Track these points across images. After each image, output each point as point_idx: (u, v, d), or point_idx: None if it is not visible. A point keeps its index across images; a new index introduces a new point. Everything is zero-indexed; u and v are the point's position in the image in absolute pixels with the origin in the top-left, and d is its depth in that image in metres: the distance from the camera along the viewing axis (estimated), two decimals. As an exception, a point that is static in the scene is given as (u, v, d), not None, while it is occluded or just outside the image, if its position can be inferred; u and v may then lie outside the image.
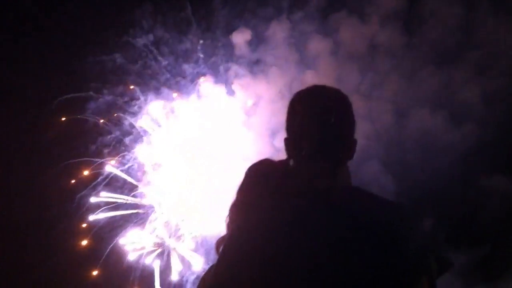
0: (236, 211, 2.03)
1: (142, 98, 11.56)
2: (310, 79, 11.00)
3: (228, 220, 2.05)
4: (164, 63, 11.77)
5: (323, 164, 1.73)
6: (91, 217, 11.71)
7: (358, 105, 9.18)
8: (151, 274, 11.86)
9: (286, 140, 1.84)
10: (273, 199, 1.77)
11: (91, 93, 11.14)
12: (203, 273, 2.16)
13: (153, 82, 11.70)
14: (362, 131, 10.43)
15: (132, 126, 11.77)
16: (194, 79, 11.85)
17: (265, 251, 1.60)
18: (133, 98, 11.57)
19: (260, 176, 2.01)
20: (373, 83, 10.57)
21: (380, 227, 1.58)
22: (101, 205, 11.79)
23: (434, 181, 9.96)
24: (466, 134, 9.81)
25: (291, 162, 1.86)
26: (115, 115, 11.59)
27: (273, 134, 11.43)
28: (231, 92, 11.97)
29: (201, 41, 11.68)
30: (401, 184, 10.27)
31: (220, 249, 1.81)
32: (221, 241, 1.96)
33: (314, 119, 1.75)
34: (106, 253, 11.47)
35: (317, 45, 11.03)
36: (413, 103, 10.25)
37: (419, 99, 10.19)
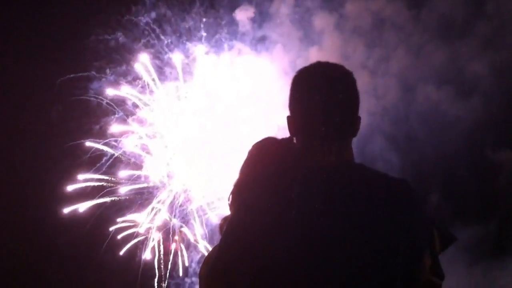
0: (239, 191, 2.01)
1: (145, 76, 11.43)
2: (315, 55, 10.88)
3: (231, 199, 2.04)
4: (167, 41, 11.63)
5: (327, 142, 1.69)
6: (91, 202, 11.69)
7: (364, 81, 9.10)
8: (155, 255, 11.90)
9: (288, 118, 1.80)
10: (277, 177, 1.74)
11: (93, 73, 11.02)
12: (207, 253, 2.17)
13: (156, 61, 11.55)
14: (368, 107, 10.34)
15: (135, 105, 11.68)
16: (197, 57, 11.70)
17: (268, 231, 1.59)
18: (136, 78, 11.44)
19: (263, 155, 2.00)
20: (379, 58, 10.41)
21: (385, 203, 1.59)
22: (105, 187, 11.78)
23: (441, 156, 9.88)
24: (474, 109, 9.69)
25: (294, 140, 1.84)
26: (118, 94, 11.47)
27: (277, 112, 11.33)
28: (234, 70, 11.83)
29: (204, 19, 11.51)
30: (408, 160, 10.20)
31: (223, 230, 1.80)
32: (224, 222, 1.97)
33: (317, 96, 1.70)
34: (109, 236, 11.47)
35: (322, 20, 10.86)
36: (420, 77, 10.12)
37: (426, 74, 10.05)
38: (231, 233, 1.71)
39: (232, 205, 2.01)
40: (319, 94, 1.70)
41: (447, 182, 9.90)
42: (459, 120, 9.74)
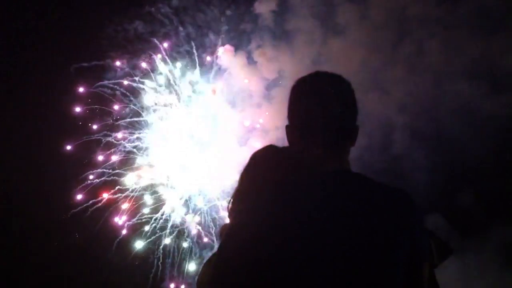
0: (239, 198, 2.04)
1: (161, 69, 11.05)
2: (339, 49, 10.52)
3: (230, 206, 2.07)
4: (184, 33, 11.27)
5: (324, 151, 1.73)
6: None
7: (390, 75, 8.66)
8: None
9: (287, 127, 1.83)
10: (276, 185, 1.76)
11: (109, 61, 10.62)
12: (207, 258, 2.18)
13: (174, 53, 11.18)
14: (394, 103, 9.98)
15: (150, 99, 11.27)
16: (215, 50, 11.34)
17: (268, 238, 1.58)
18: (153, 69, 11.06)
19: (263, 163, 2.04)
20: (407, 52, 10.01)
21: (383, 212, 1.59)
22: (118, 182, 11.36)
23: (473, 155, 9.46)
24: (508, 105, 9.28)
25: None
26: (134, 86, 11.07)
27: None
28: (253, 64, 11.47)
29: (228, 12, 11.15)
30: (437, 159, 9.80)
31: (222, 237, 1.83)
32: (224, 228, 2.01)
33: (315, 105, 1.74)
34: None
35: (347, 12, 10.48)
36: (451, 72, 9.72)
37: (458, 68, 9.65)
38: (230, 240, 1.70)
39: (231, 212, 2.02)
40: (317, 103, 1.74)
41: (479, 182, 9.49)
42: (492, 116, 9.34)
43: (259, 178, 1.98)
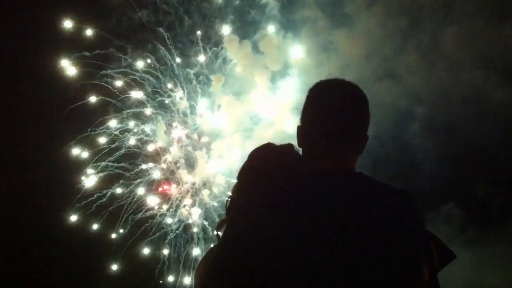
0: (238, 194, 2.07)
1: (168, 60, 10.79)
2: (348, 39, 10.36)
3: (229, 203, 2.10)
4: (189, 23, 11.02)
5: (329, 152, 1.75)
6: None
7: (401, 63, 8.46)
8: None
9: (299, 128, 1.87)
10: (275, 182, 1.76)
11: (113, 50, 10.32)
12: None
13: (179, 44, 10.93)
14: (404, 93, 9.85)
15: (155, 92, 11.03)
16: (221, 40, 11.11)
17: (266, 234, 1.60)
18: (157, 59, 10.80)
19: (262, 160, 2.07)
20: (420, 41, 9.88)
21: (383, 212, 1.60)
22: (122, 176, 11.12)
23: (486, 145, 9.37)
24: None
25: (295, 148, 1.97)
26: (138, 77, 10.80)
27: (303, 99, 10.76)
28: (259, 54, 11.25)
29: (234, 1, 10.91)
30: (449, 149, 9.71)
31: (221, 233, 1.83)
32: (221, 224, 2.01)
33: (329, 109, 1.78)
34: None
35: (356, 0, 10.30)
36: (463, 61, 9.61)
37: (470, 57, 9.54)
38: (229, 236, 1.72)
39: (230, 209, 2.04)
40: (331, 108, 1.77)
41: (496, 173, 9.42)
42: (505, 106, 9.25)
43: (257, 176, 2.00)
